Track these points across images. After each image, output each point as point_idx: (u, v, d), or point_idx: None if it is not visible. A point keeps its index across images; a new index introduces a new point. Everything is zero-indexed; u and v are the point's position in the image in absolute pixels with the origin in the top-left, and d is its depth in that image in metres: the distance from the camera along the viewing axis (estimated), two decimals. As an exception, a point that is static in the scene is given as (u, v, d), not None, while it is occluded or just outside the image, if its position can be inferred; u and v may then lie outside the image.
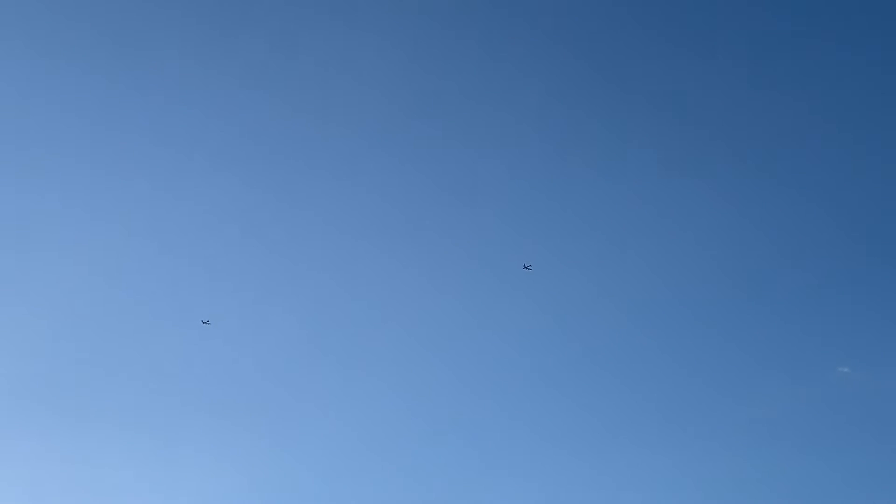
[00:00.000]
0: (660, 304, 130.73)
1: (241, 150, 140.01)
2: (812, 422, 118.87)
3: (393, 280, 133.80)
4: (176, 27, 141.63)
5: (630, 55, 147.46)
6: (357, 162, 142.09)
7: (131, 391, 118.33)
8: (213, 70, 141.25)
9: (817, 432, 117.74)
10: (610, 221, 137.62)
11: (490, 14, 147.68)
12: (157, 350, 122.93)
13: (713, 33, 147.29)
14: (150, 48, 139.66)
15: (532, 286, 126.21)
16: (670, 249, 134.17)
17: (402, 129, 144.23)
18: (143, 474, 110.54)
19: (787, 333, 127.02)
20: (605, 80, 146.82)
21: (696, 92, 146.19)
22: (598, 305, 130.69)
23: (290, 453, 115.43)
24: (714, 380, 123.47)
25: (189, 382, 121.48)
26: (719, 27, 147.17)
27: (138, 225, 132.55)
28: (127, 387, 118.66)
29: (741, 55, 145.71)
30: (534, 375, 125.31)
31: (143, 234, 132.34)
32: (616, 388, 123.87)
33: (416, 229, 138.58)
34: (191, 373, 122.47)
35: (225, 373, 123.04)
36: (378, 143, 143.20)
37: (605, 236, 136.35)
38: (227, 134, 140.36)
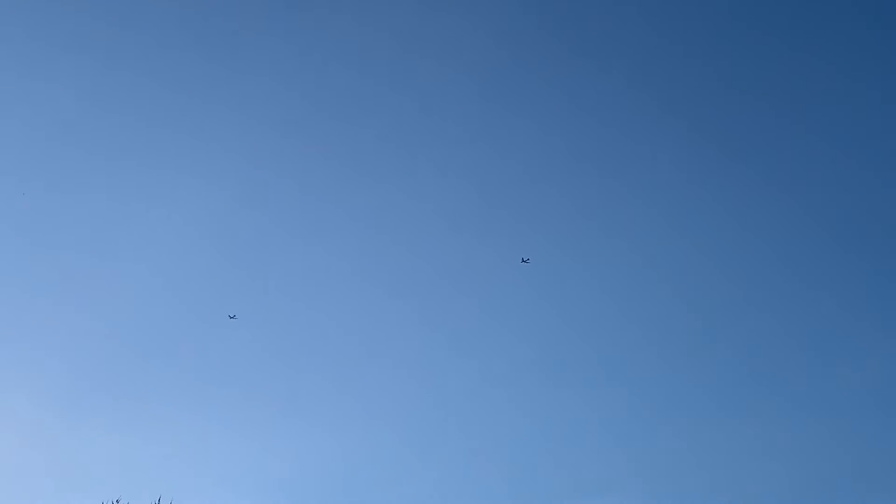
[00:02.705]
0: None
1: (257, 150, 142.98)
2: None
3: (405, 276, 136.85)
4: (200, 27, 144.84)
5: (634, 56, 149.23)
6: (372, 159, 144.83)
7: (185, 380, 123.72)
8: (243, 75, 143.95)
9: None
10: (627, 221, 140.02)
11: (496, 12, 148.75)
12: (208, 342, 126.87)
13: (713, 35, 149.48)
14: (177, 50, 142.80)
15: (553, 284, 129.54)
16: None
17: (409, 127, 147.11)
18: (194, 456, 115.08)
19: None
20: (609, 81, 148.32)
21: (699, 94, 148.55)
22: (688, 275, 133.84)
23: (334, 442, 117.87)
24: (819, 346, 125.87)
25: (237, 371, 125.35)
26: (718, 29, 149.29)
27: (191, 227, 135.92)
28: (181, 376, 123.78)
29: (740, 57, 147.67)
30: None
31: (194, 235, 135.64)
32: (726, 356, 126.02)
33: (425, 225, 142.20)
34: (239, 363, 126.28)
35: (274, 363, 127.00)
36: (386, 142, 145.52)
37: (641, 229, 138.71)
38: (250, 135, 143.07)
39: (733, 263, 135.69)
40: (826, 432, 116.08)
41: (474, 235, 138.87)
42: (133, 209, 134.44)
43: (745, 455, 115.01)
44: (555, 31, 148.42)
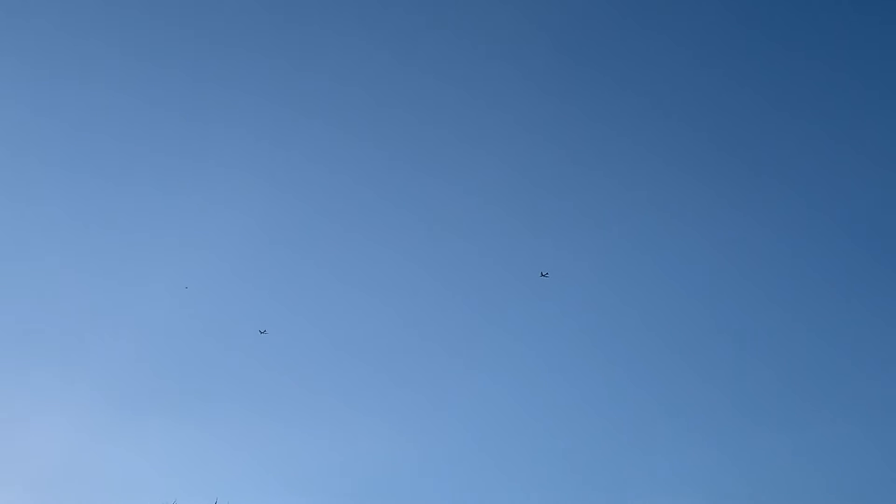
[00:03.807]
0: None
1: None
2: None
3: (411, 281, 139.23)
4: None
5: (636, 59, 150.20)
6: (378, 169, 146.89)
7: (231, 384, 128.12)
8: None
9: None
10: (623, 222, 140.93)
11: (495, 19, 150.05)
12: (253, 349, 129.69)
13: (713, 35, 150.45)
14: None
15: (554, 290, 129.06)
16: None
17: (414, 134, 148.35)
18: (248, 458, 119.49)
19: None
20: (612, 84, 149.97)
21: (701, 95, 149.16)
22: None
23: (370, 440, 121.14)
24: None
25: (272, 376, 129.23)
26: (720, 29, 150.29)
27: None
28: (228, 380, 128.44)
29: (743, 57, 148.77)
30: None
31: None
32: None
33: (425, 231, 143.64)
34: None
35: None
36: (390, 150, 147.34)
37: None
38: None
39: (765, 272, 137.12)
40: (864, 439, 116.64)
41: (493, 250, 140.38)
42: (180, 238, 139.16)
43: (784, 462, 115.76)
44: (560, 43, 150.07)
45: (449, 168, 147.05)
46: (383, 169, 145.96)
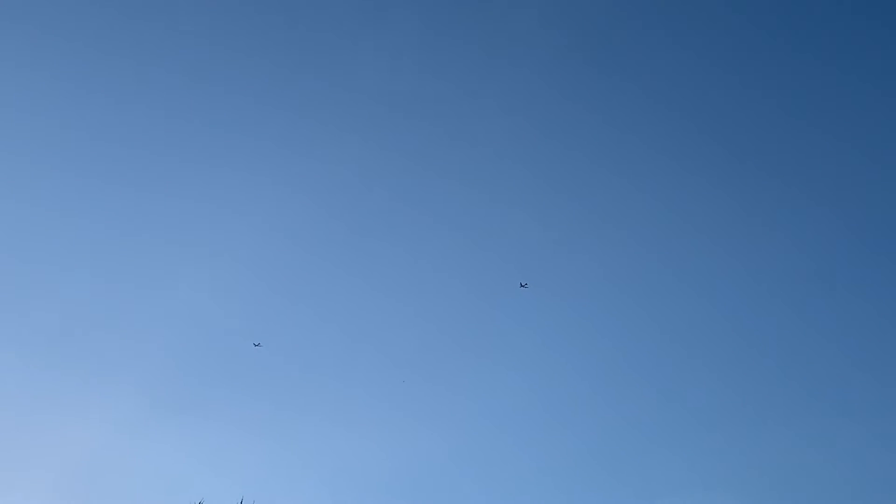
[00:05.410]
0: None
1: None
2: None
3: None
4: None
5: (635, 56, 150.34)
6: (387, 173, 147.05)
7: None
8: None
9: None
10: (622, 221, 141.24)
11: (490, 14, 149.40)
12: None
13: (715, 32, 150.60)
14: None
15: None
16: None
17: (405, 132, 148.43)
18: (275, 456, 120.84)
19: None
20: (611, 82, 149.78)
21: (700, 92, 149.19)
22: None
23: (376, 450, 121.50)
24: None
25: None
26: (721, 26, 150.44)
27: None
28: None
29: (744, 54, 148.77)
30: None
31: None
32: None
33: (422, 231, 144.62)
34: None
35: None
36: (385, 148, 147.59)
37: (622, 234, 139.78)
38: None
39: (776, 273, 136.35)
40: (871, 437, 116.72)
41: (506, 250, 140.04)
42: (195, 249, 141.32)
43: (798, 461, 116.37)
44: (559, 33, 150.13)
45: (458, 170, 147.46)
46: (392, 172, 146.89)
